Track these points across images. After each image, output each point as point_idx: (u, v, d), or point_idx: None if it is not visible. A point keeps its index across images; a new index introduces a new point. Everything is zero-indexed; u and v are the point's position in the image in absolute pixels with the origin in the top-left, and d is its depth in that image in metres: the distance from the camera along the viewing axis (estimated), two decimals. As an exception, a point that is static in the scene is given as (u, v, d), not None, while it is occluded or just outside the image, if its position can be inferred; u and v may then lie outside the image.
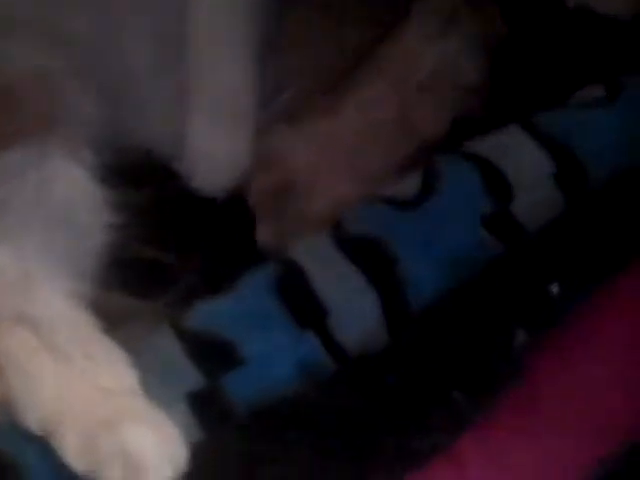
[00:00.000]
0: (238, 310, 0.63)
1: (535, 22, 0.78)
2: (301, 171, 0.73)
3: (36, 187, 0.67)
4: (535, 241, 0.62)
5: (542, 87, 0.75)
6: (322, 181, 0.72)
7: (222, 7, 0.77)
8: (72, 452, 0.58)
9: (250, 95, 0.77)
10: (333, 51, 0.77)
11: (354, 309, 0.62)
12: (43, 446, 0.58)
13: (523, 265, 0.62)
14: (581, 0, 0.79)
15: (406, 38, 0.74)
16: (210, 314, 0.64)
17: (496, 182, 0.64)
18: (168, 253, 0.72)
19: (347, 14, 0.76)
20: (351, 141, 0.72)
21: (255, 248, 0.71)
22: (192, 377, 0.61)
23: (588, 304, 0.61)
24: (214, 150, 0.77)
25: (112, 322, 0.67)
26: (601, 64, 0.76)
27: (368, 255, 0.63)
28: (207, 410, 0.61)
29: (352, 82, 0.74)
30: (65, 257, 0.67)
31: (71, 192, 0.68)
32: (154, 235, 0.72)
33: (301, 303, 0.63)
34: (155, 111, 0.79)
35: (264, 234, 0.72)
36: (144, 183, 0.75)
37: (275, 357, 0.62)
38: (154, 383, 0.60)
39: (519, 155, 0.65)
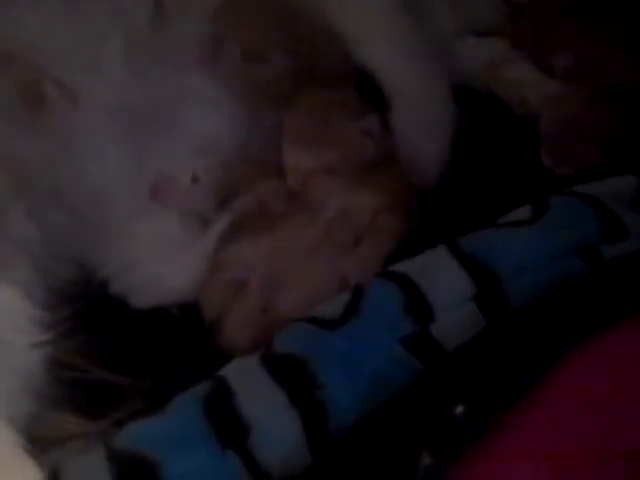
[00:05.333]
0: (165, 430, 0.64)
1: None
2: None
3: None
4: (449, 361, 0.62)
5: (473, 207, 0.76)
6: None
7: None
8: None
9: None
10: None
11: (275, 427, 0.62)
12: None
13: (430, 387, 0.62)
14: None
15: None
16: (139, 434, 0.64)
17: (417, 303, 0.65)
18: (117, 374, 0.73)
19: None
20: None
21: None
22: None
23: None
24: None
25: (54, 441, 0.68)
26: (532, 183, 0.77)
27: (291, 374, 0.64)
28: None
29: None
30: None
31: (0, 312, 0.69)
32: (103, 355, 0.73)
33: (225, 422, 0.63)
34: (110, 229, 0.80)
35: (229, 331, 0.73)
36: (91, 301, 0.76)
37: (196, 478, 0.62)
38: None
39: (441, 277, 0.66)
